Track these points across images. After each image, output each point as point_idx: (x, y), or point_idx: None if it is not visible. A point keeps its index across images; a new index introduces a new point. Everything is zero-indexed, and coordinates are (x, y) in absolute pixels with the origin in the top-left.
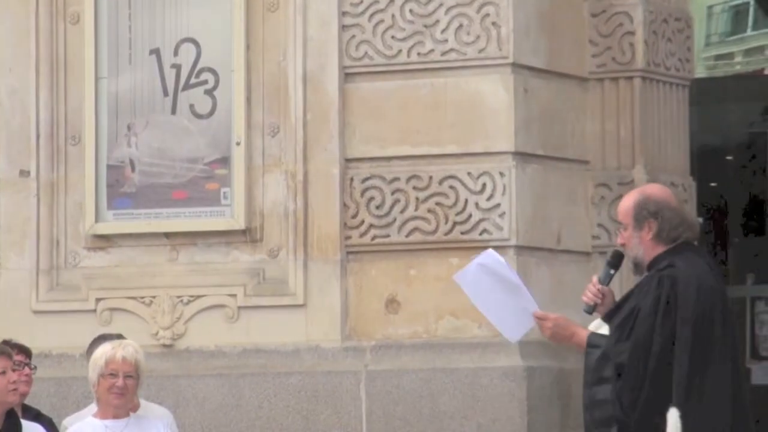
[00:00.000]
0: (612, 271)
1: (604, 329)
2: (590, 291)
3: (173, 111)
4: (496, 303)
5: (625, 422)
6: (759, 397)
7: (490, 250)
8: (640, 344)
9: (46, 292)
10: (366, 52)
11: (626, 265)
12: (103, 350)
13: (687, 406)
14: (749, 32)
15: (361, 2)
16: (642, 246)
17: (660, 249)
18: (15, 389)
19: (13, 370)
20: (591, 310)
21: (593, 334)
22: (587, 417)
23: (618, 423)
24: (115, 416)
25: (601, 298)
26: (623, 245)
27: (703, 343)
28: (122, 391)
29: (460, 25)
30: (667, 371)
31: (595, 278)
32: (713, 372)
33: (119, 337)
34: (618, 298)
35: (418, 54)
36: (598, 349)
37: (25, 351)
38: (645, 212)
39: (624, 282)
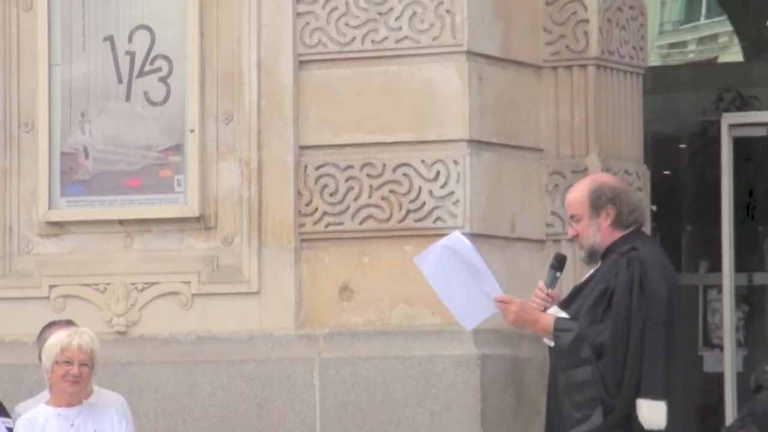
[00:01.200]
0: (557, 274)
1: (566, 316)
2: (538, 296)
3: (127, 98)
4: (456, 287)
5: (609, 403)
6: (710, 385)
7: (457, 233)
8: (620, 325)
9: None
10: (320, 40)
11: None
12: (59, 337)
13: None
14: (702, 20)
15: None
16: (600, 233)
17: (617, 235)
18: None
19: None
20: None
21: (560, 319)
22: (566, 400)
23: (602, 404)
24: (68, 404)
25: (550, 302)
26: (575, 236)
27: (672, 325)
28: (77, 379)
29: (414, 13)
30: None
31: (541, 283)
32: (678, 358)
33: (69, 323)
34: (570, 288)
35: (372, 42)
36: (569, 333)
37: None
38: (603, 198)
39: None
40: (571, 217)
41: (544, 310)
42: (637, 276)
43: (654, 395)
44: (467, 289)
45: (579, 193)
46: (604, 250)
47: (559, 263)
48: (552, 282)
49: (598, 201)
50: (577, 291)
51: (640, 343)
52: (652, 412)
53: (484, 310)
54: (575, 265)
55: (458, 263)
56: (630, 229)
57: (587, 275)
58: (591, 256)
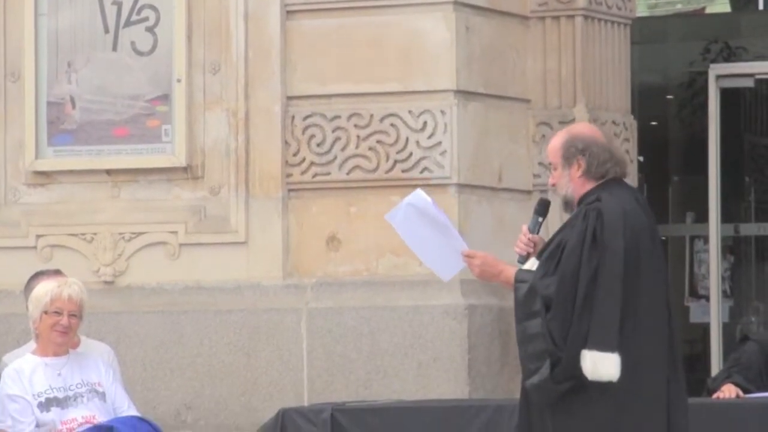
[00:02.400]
0: (540, 219)
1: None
2: (521, 241)
3: (114, 48)
4: (427, 242)
5: (557, 355)
6: (696, 335)
7: (418, 190)
8: (567, 277)
9: None
10: None
11: (553, 211)
12: (48, 287)
13: (616, 345)
14: None
15: None
16: (571, 184)
17: (589, 186)
18: None
19: None
20: (524, 260)
21: (520, 270)
22: (521, 352)
23: (550, 356)
24: (56, 353)
25: (533, 247)
26: (553, 185)
27: (630, 278)
28: (66, 330)
29: None
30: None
31: (525, 228)
32: (644, 310)
33: (57, 272)
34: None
35: None
36: (525, 284)
37: None
38: (573, 149)
39: (551, 229)
40: (550, 164)
41: (527, 255)
42: (591, 228)
43: (601, 347)
44: (437, 243)
45: (554, 142)
46: (578, 200)
47: (542, 208)
48: (535, 227)
49: (568, 152)
50: (549, 242)
51: (589, 296)
52: (597, 364)
53: (456, 262)
54: (562, 215)
55: (424, 219)
56: (602, 180)
57: (560, 227)
58: (567, 205)
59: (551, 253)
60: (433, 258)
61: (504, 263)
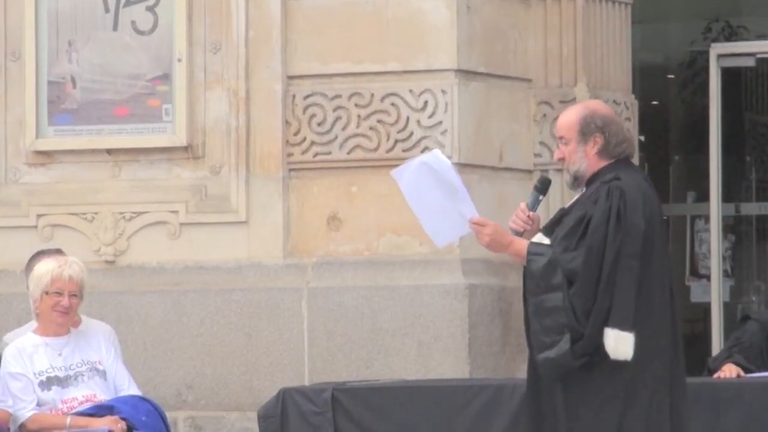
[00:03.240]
0: (540, 197)
1: (546, 242)
2: (519, 218)
3: (114, 27)
4: (430, 204)
5: (578, 331)
6: (697, 315)
7: (437, 151)
8: (594, 253)
9: None
10: None
11: (553, 189)
12: (49, 267)
13: (633, 324)
14: None
15: None
16: (586, 160)
17: (602, 163)
18: None
19: None
20: (519, 236)
21: (534, 243)
22: (535, 325)
23: (570, 331)
24: (56, 333)
25: (530, 224)
26: (561, 159)
27: (645, 258)
28: (66, 310)
29: None
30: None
31: (523, 204)
32: (655, 290)
33: (58, 252)
34: (544, 222)
35: None
36: (542, 257)
37: None
38: (593, 126)
39: (551, 206)
40: (560, 138)
41: (524, 232)
42: (615, 206)
43: (622, 326)
44: (442, 207)
45: (570, 117)
46: (589, 177)
47: (542, 186)
48: (534, 204)
49: (587, 128)
50: (561, 217)
51: (613, 274)
52: (618, 342)
53: (457, 230)
54: (563, 192)
55: (435, 181)
56: (615, 159)
57: (571, 202)
58: (576, 181)
59: (572, 229)
60: (433, 222)
61: (513, 235)
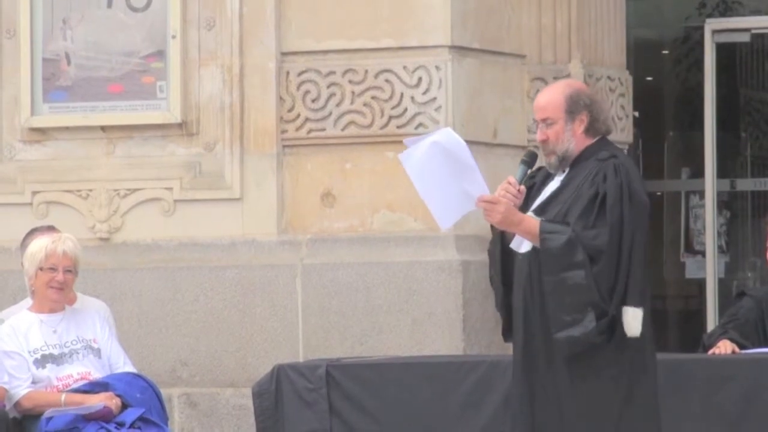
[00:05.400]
0: (528, 171)
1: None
2: (510, 192)
3: (109, 5)
4: (438, 185)
5: (602, 308)
6: (692, 291)
7: (449, 129)
8: (616, 230)
9: None
10: None
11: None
12: (42, 244)
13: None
14: None
15: None
16: (574, 139)
17: (588, 141)
18: None
19: None
20: None
21: (546, 222)
22: (553, 303)
23: (595, 308)
24: (52, 310)
25: (519, 198)
26: (545, 141)
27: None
28: (61, 286)
29: None
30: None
31: (512, 178)
32: (644, 269)
33: (51, 229)
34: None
35: None
36: (560, 235)
37: None
38: (581, 104)
39: None
40: (543, 120)
41: (513, 205)
42: (626, 184)
43: (636, 302)
44: (449, 186)
45: (555, 96)
46: (577, 155)
47: (530, 159)
48: (522, 178)
49: (574, 106)
50: (553, 197)
51: (631, 250)
52: (634, 319)
53: (461, 208)
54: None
55: (444, 160)
56: (600, 136)
57: (556, 181)
58: (563, 160)
59: (587, 207)
60: (438, 201)
61: (522, 213)
